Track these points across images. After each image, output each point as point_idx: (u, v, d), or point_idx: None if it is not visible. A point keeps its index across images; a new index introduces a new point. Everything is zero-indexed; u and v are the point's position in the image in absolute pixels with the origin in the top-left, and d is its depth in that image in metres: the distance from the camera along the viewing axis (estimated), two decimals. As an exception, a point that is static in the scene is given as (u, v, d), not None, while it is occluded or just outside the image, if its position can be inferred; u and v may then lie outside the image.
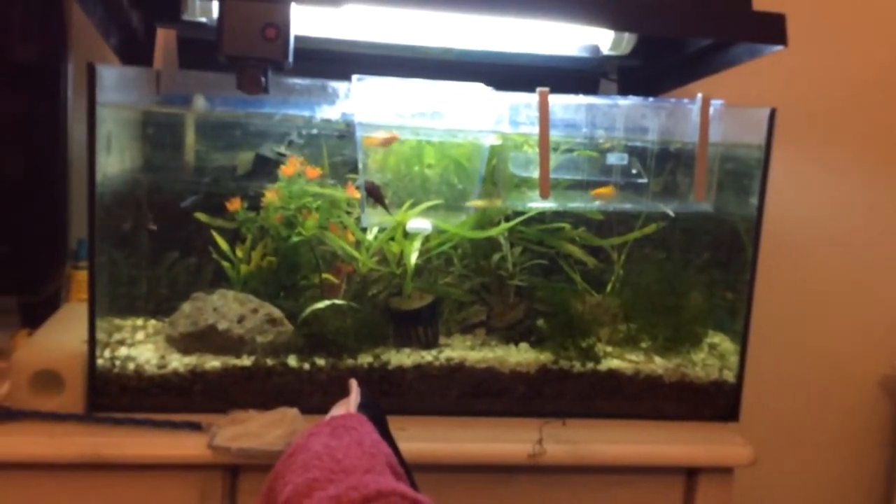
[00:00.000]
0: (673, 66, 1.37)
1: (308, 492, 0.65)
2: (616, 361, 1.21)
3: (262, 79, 1.01)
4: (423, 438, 1.07)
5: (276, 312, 1.15)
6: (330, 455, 0.69)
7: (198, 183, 1.25)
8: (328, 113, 1.14)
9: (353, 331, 1.16)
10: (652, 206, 1.21)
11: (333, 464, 0.68)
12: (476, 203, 1.19)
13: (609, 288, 1.30)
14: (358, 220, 1.18)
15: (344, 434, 0.74)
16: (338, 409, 0.85)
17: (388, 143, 1.15)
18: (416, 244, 1.19)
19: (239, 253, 1.20)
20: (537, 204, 1.18)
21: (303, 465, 0.69)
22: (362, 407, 0.85)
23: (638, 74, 1.45)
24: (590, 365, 1.19)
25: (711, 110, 1.15)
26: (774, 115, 1.18)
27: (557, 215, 1.26)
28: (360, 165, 1.15)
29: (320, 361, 1.13)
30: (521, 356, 1.19)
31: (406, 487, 0.65)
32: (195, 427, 1.04)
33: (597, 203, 1.20)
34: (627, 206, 1.21)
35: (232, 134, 1.26)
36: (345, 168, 1.22)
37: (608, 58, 1.36)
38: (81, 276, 1.33)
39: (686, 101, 1.17)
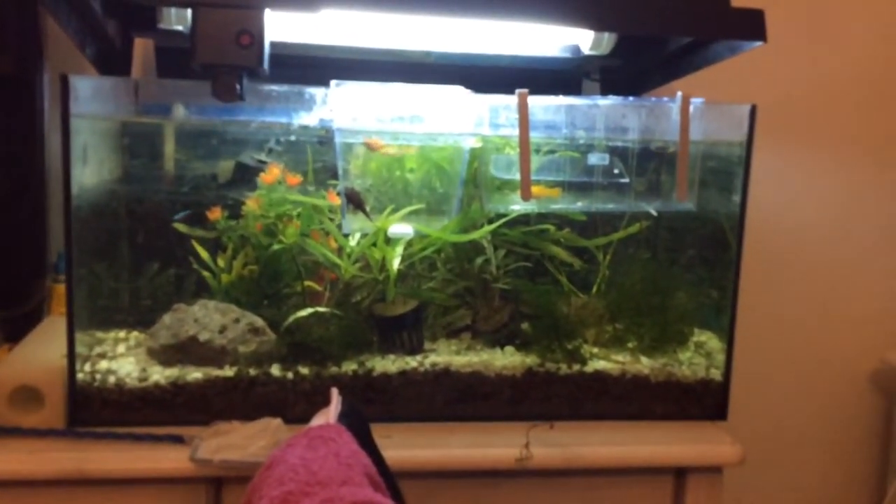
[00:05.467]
0: (655, 65, 1.36)
1: (283, 506, 0.64)
2: (602, 363, 1.20)
3: (238, 86, 1.00)
4: (408, 445, 1.06)
5: (259, 321, 1.14)
6: (306, 467, 0.68)
7: (178, 193, 1.24)
8: (307, 119, 1.13)
9: (337, 338, 1.15)
10: (634, 205, 1.21)
11: (309, 476, 0.67)
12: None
13: (594, 289, 1.29)
14: (340, 226, 1.17)
15: (321, 445, 0.73)
16: (318, 420, 0.84)
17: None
18: (399, 249, 1.18)
19: (220, 262, 1.19)
20: (519, 206, 1.17)
21: (278, 478, 0.68)
22: (343, 416, 0.84)
23: (620, 74, 1.44)
24: (576, 367, 1.18)
25: (692, 108, 1.14)
26: (755, 111, 1.17)
27: (542, 217, 1.25)
28: (340, 171, 1.14)
29: (304, 370, 1.12)
30: (506, 360, 1.18)
31: (383, 498, 0.64)
32: (177, 440, 1.03)
33: (579, 204, 1.20)
34: (610, 206, 1.21)
35: (212, 142, 1.25)
36: (325, 174, 1.21)
37: (589, 58, 1.36)
38: (62, 289, 1.31)
39: (666, 99, 1.16)
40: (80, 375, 1.06)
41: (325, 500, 0.62)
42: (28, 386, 1.03)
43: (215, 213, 1.18)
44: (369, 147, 1.14)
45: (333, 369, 1.13)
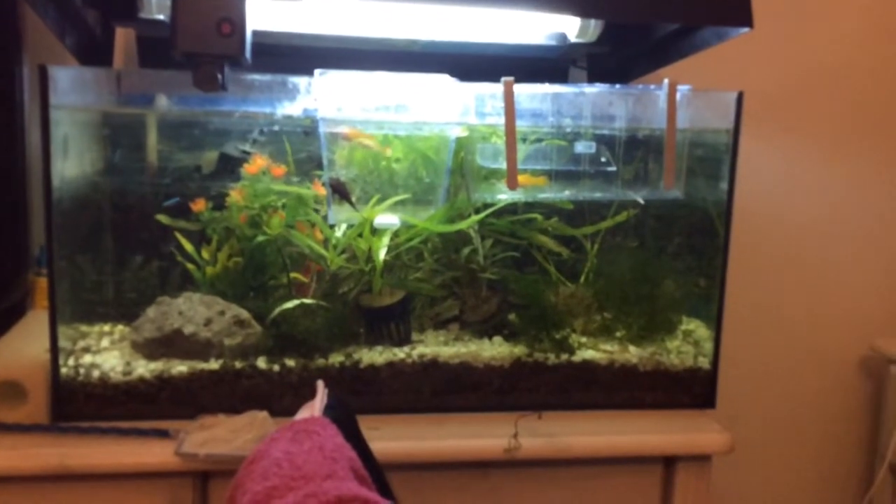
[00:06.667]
0: (642, 52, 1.36)
1: (266, 501, 0.63)
2: (591, 352, 1.20)
3: (219, 75, 0.99)
4: (397, 437, 1.05)
5: (244, 314, 1.13)
6: (290, 462, 0.67)
7: (161, 184, 1.22)
8: (291, 109, 1.12)
9: (324, 330, 1.14)
10: (622, 194, 1.20)
11: (293, 470, 0.66)
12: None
13: (582, 278, 1.29)
14: (325, 217, 1.16)
15: (305, 439, 0.72)
16: (303, 413, 0.84)
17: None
18: (385, 240, 1.17)
19: (205, 254, 1.18)
20: (505, 195, 1.16)
21: (262, 472, 0.67)
22: (328, 409, 0.83)
23: (607, 61, 1.43)
24: (564, 356, 1.18)
25: (679, 95, 1.13)
26: (742, 98, 1.17)
27: (529, 206, 1.25)
28: (326, 161, 1.13)
29: (290, 362, 1.11)
30: (495, 350, 1.18)
31: (368, 492, 0.63)
32: (163, 434, 1.02)
33: (566, 193, 1.19)
34: (597, 194, 1.20)
35: (195, 133, 1.23)
36: (310, 164, 1.20)
37: (576, 45, 1.35)
38: (45, 282, 1.30)
39: (653, 87, 1.15)
40: (63, 370, 1.05)
41: (309, 495, 0.61)
42: (11, 381, 1.02)
43: (199, 205, 1.16)
44: (347, 138, 1.13)
45: (320, 361, 1.12)
